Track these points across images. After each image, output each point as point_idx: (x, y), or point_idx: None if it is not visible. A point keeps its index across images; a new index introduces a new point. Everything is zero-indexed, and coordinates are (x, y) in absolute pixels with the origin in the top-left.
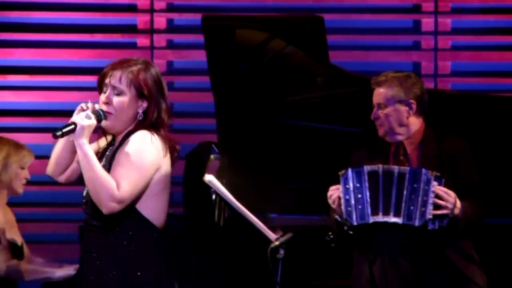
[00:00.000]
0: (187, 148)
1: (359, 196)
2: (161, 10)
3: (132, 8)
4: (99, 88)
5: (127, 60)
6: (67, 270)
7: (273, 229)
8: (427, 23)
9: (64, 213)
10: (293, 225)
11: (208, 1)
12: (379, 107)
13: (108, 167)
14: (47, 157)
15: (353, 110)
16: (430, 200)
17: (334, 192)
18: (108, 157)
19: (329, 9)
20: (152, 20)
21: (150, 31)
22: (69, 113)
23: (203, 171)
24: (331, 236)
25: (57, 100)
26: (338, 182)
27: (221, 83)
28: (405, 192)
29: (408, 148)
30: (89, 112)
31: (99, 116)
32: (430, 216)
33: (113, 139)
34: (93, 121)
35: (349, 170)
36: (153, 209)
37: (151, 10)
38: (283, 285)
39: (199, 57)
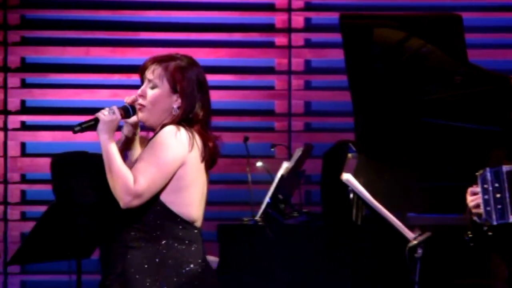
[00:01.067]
0: (325, 147)
1: (498, 196)
2: (298, 9)
3: (270, 7)
4: (141, 81)
5: (168, 56)
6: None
7: (411, 228)
8: None
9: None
10: (431, 224)
11: (346, 0)
12: None
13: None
14: None
15: (491, 109)
16: None
17: (475, 196)
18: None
19: (467, 7)
20: (290, 19)
21: (288, 30)
22: None
23: (340, 170)
24: (470, 235)
25: None
26: (476, 181)
27: (358, 82)
28: None
29: None
30: (114, 107)
31: (127, 111)
32: None
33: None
34: (116, 116)
35: (487, 170)
36: (180, 203)
37: (289, 9)
38: (421, 284)
39: (337, 55)
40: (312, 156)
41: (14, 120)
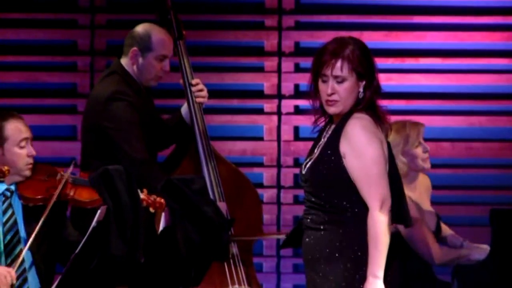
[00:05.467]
0: None
1: None
2: None
3: None
4: (315, 75)
5: (339, 45)
6: (483, 251)
7: None
8: None
9: (476, 196)
10: None
11: None
12: None
13: (326, 144)
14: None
15: None
16: None
17: None
18: (328, 136)
19: None
20: None
21: None
22: (481, 96)
23: None
24: None
25: (469, 83)
26: None
27: None
28: None
29: None
30: None
31: None
32: None
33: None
34: None
35: None
36: None
37: None
38: None
39: None
40: None
41: (288, 104)
